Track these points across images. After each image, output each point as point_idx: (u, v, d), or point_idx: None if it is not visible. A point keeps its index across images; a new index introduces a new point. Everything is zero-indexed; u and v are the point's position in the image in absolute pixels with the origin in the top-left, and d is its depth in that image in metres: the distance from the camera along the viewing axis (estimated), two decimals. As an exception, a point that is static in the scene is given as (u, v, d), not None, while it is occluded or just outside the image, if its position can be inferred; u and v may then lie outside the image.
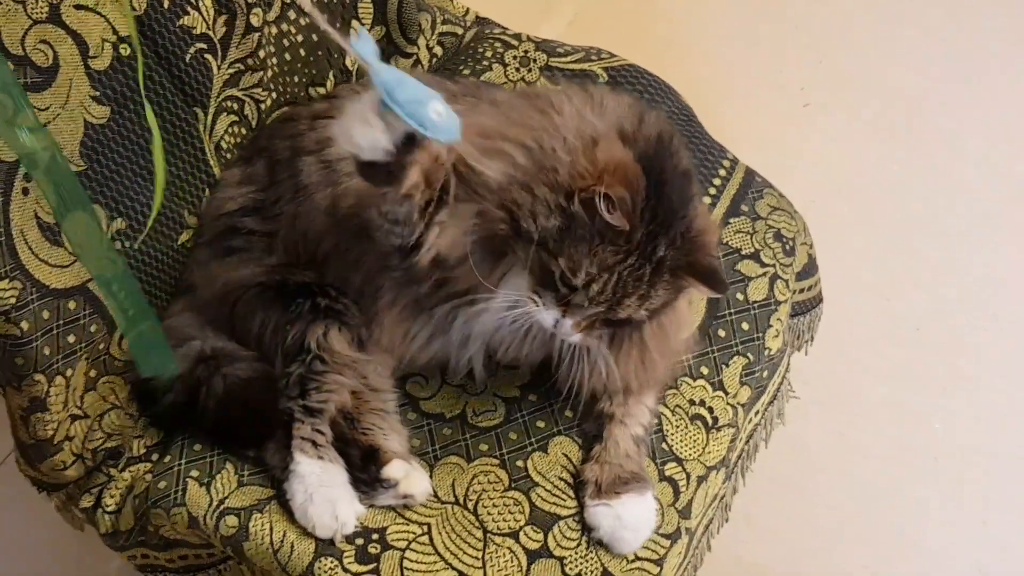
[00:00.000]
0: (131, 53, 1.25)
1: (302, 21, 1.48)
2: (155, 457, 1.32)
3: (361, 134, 1.02)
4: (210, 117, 1.39)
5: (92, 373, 1.27)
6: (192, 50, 1.34)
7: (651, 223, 1.12)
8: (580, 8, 2.46)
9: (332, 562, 1.19)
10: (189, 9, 1.32)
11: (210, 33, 1.36)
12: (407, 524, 1.22)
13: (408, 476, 1.24)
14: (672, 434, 1.33)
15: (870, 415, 2.02)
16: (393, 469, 1.24)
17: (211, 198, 1.41)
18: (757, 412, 1.48)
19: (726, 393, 1.38)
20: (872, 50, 2.56)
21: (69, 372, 1.23)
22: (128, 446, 1.33)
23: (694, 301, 1.40)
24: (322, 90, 1.54)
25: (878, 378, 2.06)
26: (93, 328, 1.25)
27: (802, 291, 1.60)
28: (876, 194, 2.32)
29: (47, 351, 1.19)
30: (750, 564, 1.83)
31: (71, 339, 1.22)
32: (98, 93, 1.23)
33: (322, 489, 1.22)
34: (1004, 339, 2.09)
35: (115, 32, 1.23)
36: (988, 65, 2.51)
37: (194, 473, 1.27)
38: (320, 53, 1.52)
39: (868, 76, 2.47)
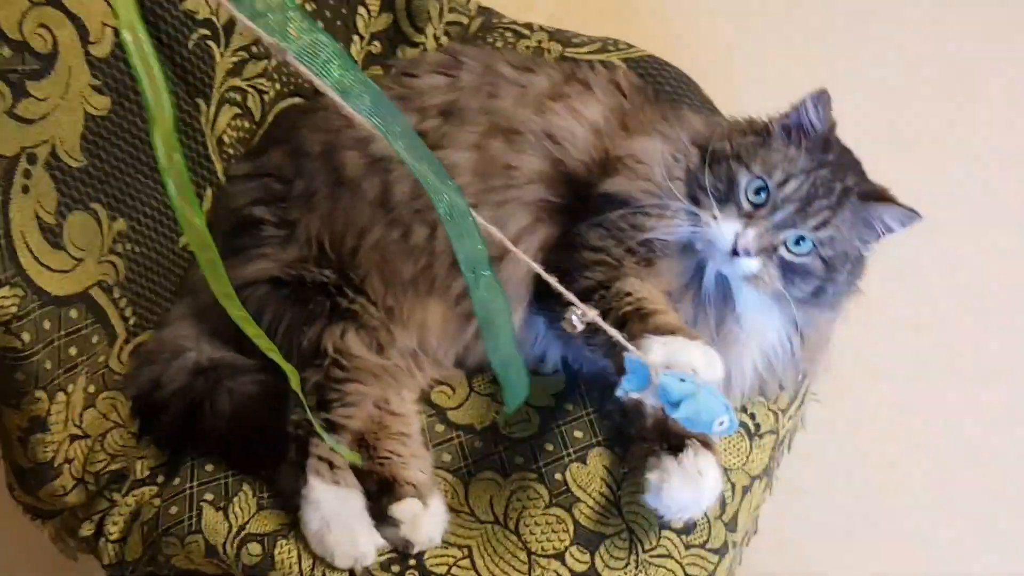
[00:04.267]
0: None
1: (308, 7, 1.38)
2: (161, 479, 1.21)
3: None
4: (212, 109, 1.30)
5: (91, 388, 1.17)
6: (195, 36, 1.24)
7: (840, 156, 1.15)
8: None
9: (367, 590, 1.10)
10: (192, -8, 1.22)
11: (213, 19, 1.26)
12: (446, 547, 1.13)
13: (414, 520, 1.13)
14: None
15: (877, 418, 1.97)
16: (401, 510, 1.13)
17: (219, 195, 1.31)
18: (790, 417, 1.42)
19: (766, 398, 1.31)
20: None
21: (70, 387, 1.12)
22: (131, 468, 1.22)
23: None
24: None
25: (884, 380, 2.01)
26: (95, 339, 1.14)
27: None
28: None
29: (48, 365, 1.08)
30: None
31: (72, 351, 1.11)
32: (99, 82, 1.12)
33: (339, 517, 1.12)
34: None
35: (117, 16, 1.13)
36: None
37: (208, 497, 1.16)
38: (325, 42, 1.42)
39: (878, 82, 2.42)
